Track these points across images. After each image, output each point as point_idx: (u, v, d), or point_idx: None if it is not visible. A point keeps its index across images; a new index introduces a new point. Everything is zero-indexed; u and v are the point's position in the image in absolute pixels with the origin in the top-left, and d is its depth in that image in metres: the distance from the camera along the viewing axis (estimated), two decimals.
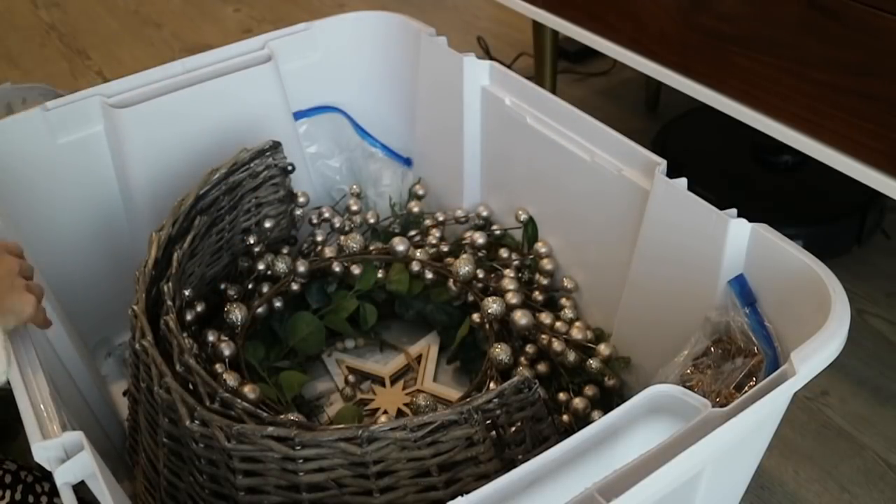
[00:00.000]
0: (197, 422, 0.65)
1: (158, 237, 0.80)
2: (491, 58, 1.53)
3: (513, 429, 0.66)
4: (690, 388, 0.70)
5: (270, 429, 0.62)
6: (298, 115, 1.10)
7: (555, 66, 1.41)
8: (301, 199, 1.01)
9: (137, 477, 0.79)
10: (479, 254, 1.00)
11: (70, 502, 0.52)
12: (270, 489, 0.64)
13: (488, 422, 0.65)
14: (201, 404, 0.65)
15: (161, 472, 0.72)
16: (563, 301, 0.96)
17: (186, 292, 0.83)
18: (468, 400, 0.64)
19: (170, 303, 0.75)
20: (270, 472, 0.64)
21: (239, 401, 0.66)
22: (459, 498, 0.50)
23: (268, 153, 0.94)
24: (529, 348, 0.90)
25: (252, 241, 0.95)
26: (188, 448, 0.67)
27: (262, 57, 1.04)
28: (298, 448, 0.62)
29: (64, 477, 0.53)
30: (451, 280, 0.96)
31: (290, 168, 0.96)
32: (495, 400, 0.64)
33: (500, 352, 0.84)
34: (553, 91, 1.38)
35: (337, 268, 0.98)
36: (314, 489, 0.64)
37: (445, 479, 0.64)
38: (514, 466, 0.65)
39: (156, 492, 0.73)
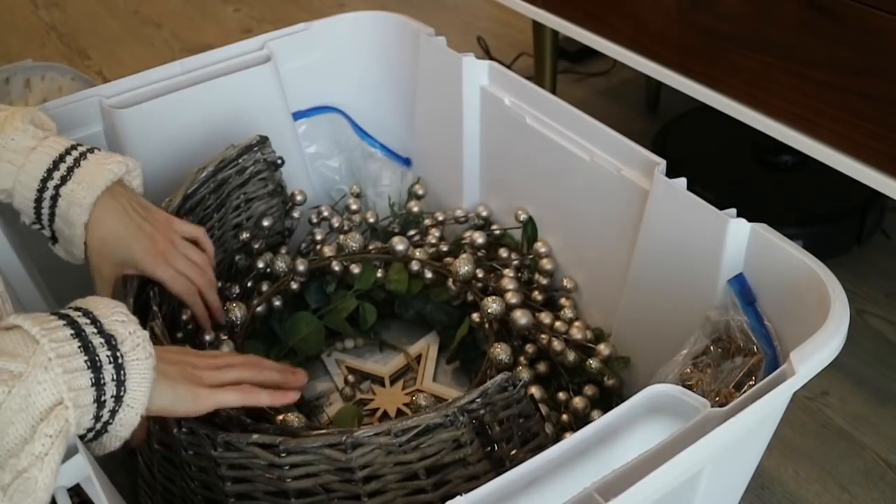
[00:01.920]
0: (184, 430, 0.64)
1: None
2: (491, 58, 1.53)
3: (499, 427, 0.66)
4: (690, 387, 0.70)
5: (255, 436, 0.62)
6: (298, 116, 1.10)
7: (555, 66, 1.41)
8: (299, 198, 1.01)
9: (138, 480, 0.79)
10: (479, 253, 1.00)
11: None
12: (260, 495, 0.64)
13: (474, 422, 0.64)
14: None
15: (156, 477, 0.72)
16: (563, 301, 0.96)
17: None
18: (451, 401, 0.63)
19: (155, 308, 0.75)
20: (258, 478, 0.63)
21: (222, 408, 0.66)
22: (458, 498, 0.50)
23: (255, 148, 0.93)
24: (529, 348, 0.90)
25: (247, 237, 0.95)
26: (179, 455, 0.67)
27: (261, 57, 1.04)
28: (284, 455, 0.61)
29: (59, 480, 0.52)
30: (451, 280, 0.96)
31: (279, 161, 0.96)
32: (478, 400, 0.63)
33: (500, 351, 0.84)
34: (553, 91, 1.38)
35: (336, 267, 0.98)
36: (302, 495, 0.64)
37: (434, 481, 0.64)
38: (504, 466, 0.65)
39: (154, 495, 0.73)
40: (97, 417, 0.52)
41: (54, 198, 0.72)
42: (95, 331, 0.53)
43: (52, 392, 0.49)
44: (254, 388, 0.65)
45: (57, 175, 0.72)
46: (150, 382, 0.55)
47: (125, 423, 0.54)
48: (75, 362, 0.51)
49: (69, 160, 0.72)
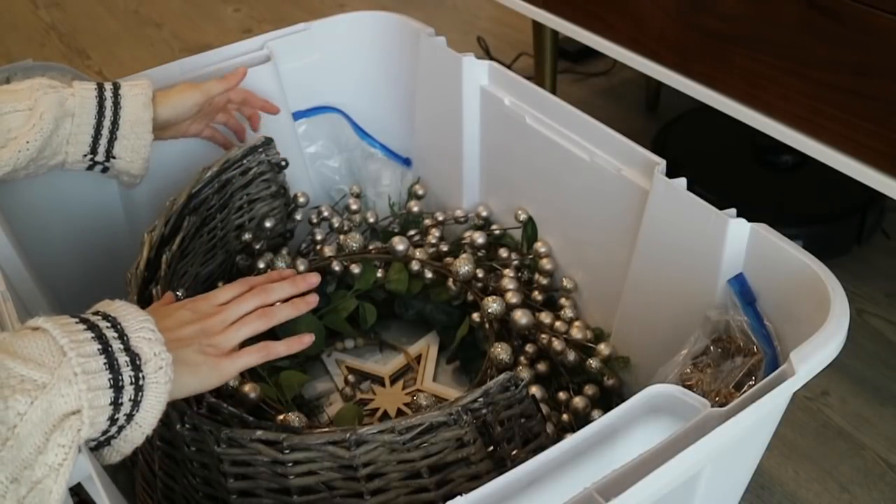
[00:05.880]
0: (187, 426, 0.64)
1: (150, 237, 0.79)
2: (491, 58, 1.53)
3: (501, 428, 0.66)
4: (690, 387, 0.70)
5: (259, 433, 0.62)
6: (298, 116, 1.10)
7: (555, 66, 1.41)
8: (301, 200, 1.01)
9: (137, 477, 0.79)
10: (479, 253, 1.00)
11: None
12: (262, 492, 0.64)
13: (477, 421, 0.64)
14: (190, 408, 0.65)
15: (157, 475, 0.72)
16: (563, 301, 0.96)
17: (179, 293, 0.82)
18: (455, 400, 0.63)
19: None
20: (261, 475, 0.63)
21: (224, 405, 0.66)
22: (458, 498, 0.50)
23: (260, 149, 0.93)
24: (529, 348, 0.90)
25: (248, 238, 0.95)
26: (181, 451, 0.67)
27: (261, 57, 1.04)
28: (287, 452, 0.61)
29: None
30: (451, 279, 0.96)
31: (282, 164, 0.96)
32: (481, 399, 0.64)
33: (501, 351, 0.84)
34: (553, 91, 1.38)
35: (336, 267, 0.98)
36: (305, 492, 0.64)
37: (436, 480, 0.64)
38: (505, 465, 0.65)
39: (154, 492, 0.73)
40: (104, 432, 0.52)
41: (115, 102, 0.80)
42: (122, 347, 0.53)
43: (73, 406, 0.49)
44: (270, 343, 0.65)
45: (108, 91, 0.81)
46: (163, 406, 0.55)
47: (129, 440, 0.54)
48: (100, 380, 0.50)
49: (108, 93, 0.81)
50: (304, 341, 0.66)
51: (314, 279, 0.70)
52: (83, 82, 0.81)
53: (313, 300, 0.69)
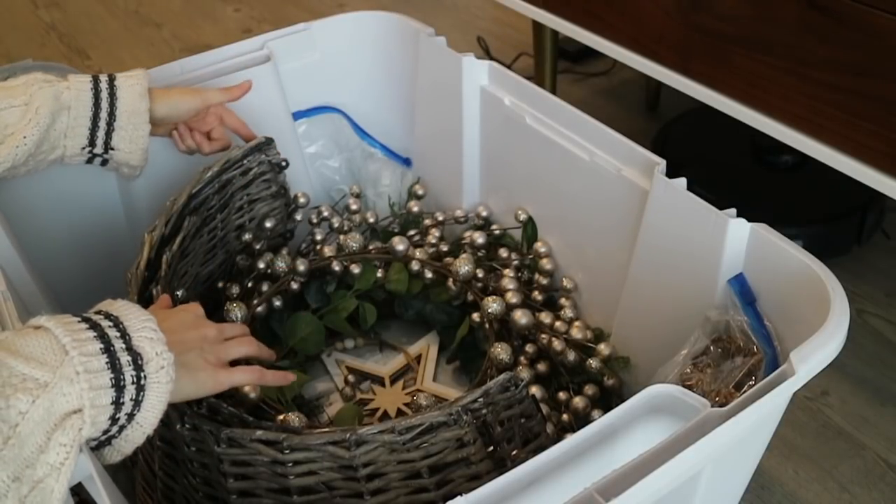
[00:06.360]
0: (187, 426, 0.64)
1: (151, 238, 0.79)
2: (491, 58, 1.53)
3: (501, 428, 0.66)
4: (690, 387, 0.70)
5: (259, 433, 0.62)
6: (298, 116, 1.10)
7: (555, 66, 1.41)
8: (302, 200, 1.01)
9: (137, 477, 0.79)
10: (479, 253, 1.00)
11: None
12: (262, 492, 0.64)
13: (477, 422, 0.64)
14: (190, 408, 0.65)
15: (157, 474, 0.72)
16: (563, 301, 0.96)
17: (179, 293, 0.82)
18: (455, 400, 0.63)
19: None
20: (261, 475, 0.63)
21: (224, 405, 0.66)
22: (458, 498, 0.50)
23: (260, 150, 0.93)
24: (529, 348, 0.90)
25: (248, 238, 0.95)
26: (181, 451, 0.67)
27: (261, 57, 1.04)
28: (287, 452, 0.62)
29: None
30: (451, 279, 0.96)
31: (283, 164, 0.96)
32: (481, 399, 0.64)
33: (501, 351, 0.84)
34: (553, 91, 1.38)
35: (336, 267, 0.98)
36: (305, 492, 0.64)
37: (436, 480, 0.64)
38: (505, 465, 0.65)
39: (154, 492, 0.73)
40: (105, 431, 0.52)
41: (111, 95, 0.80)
42: (124, 346, 0.53)
43: (74, 405, 0.49)
44: (263, 369, 0.67)
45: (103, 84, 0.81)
46: (164, 405, 0.55)
47: (130, 440, 0.54)
48: (101, 379, 0.50)
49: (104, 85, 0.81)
50: (288, 378, 0.71)
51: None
52: (78, 75, 0.81)
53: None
